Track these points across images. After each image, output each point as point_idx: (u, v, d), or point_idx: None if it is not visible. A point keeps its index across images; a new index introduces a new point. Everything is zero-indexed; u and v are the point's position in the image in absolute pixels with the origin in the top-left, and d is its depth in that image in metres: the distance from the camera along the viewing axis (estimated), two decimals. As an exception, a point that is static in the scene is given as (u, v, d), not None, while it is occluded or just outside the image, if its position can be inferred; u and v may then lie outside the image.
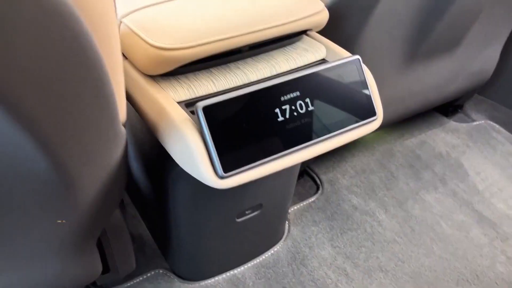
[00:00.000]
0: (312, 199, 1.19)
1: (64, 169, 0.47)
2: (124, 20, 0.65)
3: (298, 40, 0.74)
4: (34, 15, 0.32)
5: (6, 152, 0.40)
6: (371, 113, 0.66)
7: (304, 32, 0.73)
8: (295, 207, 1.16)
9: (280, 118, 0.60)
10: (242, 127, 0.58)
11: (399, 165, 1.31)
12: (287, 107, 0.61)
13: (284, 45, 0.73)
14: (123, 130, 0.54)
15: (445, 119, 1.50)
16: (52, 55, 0.36)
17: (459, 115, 1.53)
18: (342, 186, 1.23)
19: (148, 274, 0.99)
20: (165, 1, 0.69)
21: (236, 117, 0.57)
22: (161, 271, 1.00)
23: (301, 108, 0.62)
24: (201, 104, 0.55)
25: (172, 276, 0.99)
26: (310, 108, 0.62)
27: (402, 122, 1.44)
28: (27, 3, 0.31)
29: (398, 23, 0.91)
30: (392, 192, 1.22)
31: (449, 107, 1.50)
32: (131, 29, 0.63)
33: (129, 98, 0.68)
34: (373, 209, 1.17)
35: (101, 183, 0.57)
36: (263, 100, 0.59)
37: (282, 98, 0.60)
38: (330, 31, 0.79)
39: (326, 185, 1.23)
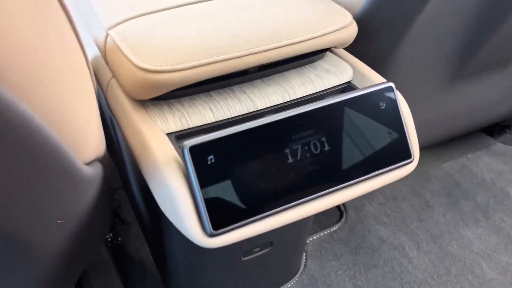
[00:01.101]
0: (334, 228, 1.06)
1: (10, 237, 0.37)
2: (110, 32, 0.55)
3: (319, 58, 0.62)
4: None
5: None
6: (405, 155, 0.53)
7: (327, 49, 0.61)
8: (314, 237, 1.04)
9: (290, 160, 0.48)
10: (240, 173, 0.46)
11: (435, 192, 1.16)
12: (300, 146, 0.49)
13: (302, 64, 0.61)
14: (89, 172, 0.44)
15: (490, 140, 1.33)
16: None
17: (507, 135, 1.35)
18: (368, 215, 1.10)
19: (146, 307, 0.89)
20: (162, 10, 0.58)
21: (234, 160, 0.46)
22: (160, 304, 0.90)
23: (318, 148, 0.50)
24: (188, 144, 0.44)
25: (172, 311, 0.89)
26: (329, 147, 0.50)
27: (440, 143, 1.29)
28: None
29: (442, 38, 0.77)
30: (426, 224, 1.08)
31: (496, 127, 1.33)
32: (116, 44, 0.52)
33: (118, 122, 0.58)
34: (403, 243, 1.03)
35: (70, 234, 0.47)
36: (270, 138, 0.48)
37: (295, 135, 0.49)
38: (358, 47, 0.66)
39: (350, 212, 1.10)
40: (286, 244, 0.81)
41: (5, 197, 0.33)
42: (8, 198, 0.33)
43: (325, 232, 1.05)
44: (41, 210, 0.40)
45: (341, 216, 1.09)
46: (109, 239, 0.84)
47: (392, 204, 1.12)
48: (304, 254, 1.00)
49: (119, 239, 0.98)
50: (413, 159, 0.54)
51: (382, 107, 0.52)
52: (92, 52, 0.66)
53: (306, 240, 0.99)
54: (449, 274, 0.97)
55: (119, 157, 0.82)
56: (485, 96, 1.04)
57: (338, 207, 1.12)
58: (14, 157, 0.30)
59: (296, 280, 0.94)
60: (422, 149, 1.24)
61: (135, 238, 1.04)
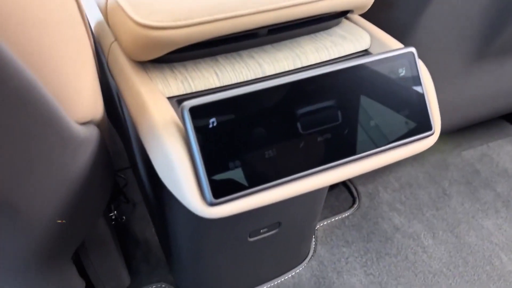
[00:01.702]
0: (346, 214, 1.02)
1: None
2: (111, -10, 0.51)
3: (334, 25, 0.58)
4: None
5: None
6: (426, 126, 0.49)
7: (343, 14, 0.57)
8: (325, 222, 1.00)
9: (299, 127, 0.44)
10: (244, 139, 0.42)
11: (453, 180, 1.11)
12: (310, 112, 0.45)
13: (316, 30, 0.57)
14: (82, 132, 0.41)
15: (512, 128, 1.27)
16: None
17: (531, 124, 1.29)
18: (382, 201, 1.05)
19: (149, 288, 0.87)
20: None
21: (238, 124, 0.42)
22: (163, 285, 0.87)
23: (330, 115, 0.46)
24: (188, 104, 0.40)
25: (175, 293, 0.86)
26: (342, 115, 0.46)
27: (460, 130, 1.24)
28: None
29: (466, 14, 0.72)
30: (443, 213, 1.03)
31: (519, 115, 1.27)
32: (116, 2, 0.49)
33: (119, 88, 0.55)
34: (418, 232, 0.99)
35: (64, 202, 0.45)
36: (278, 102, 0.44)
37: (307, 100, 0.45)
38: (376, 16, 0.61)
39: (364, 198, 1.06)
40: (295, 226, 0.77)
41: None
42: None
43: (337, 218, 1.01)
44: (28, 171, 0.37)
45: (353, 202, 1.05)
46: (113, 217, 0.82)
47: (408, 191, 1.08)
48: (313, 239, 0.96)
49: (124, 217, 0.96)
50: (433, 131, 0.49)
51: (402, 74, 0.48)
52: (96, 19, 0.63)
53: (316, 224, 0.95)
54: (466, 265, 0.93)
55: (125, 134, 0.79)
56: (508, 80, 0.98)
57: (350, 192, 1.07)
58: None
59: (304, 266, 0.91)
60: (440, 135, 1.19)
61: (141, 218, 1.01)
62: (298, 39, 0.56)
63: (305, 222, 0.78)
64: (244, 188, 0.42)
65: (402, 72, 0.48)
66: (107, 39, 0.58)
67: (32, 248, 0.49)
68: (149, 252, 0.94)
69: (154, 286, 0.87)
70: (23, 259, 0.50)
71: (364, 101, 0.47)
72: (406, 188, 1.08)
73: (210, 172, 0.41)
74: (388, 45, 0.55)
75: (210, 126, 0.41)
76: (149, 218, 1.00)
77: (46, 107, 0.32)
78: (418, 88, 0.49)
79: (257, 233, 0.72)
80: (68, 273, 0.60)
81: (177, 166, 0.42)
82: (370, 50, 0.56)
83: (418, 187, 1.09)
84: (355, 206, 1.04)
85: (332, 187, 1.08)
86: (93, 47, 0.51)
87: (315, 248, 0.95)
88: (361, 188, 1.08)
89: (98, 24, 0.62)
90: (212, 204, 0.42)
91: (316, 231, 0.97)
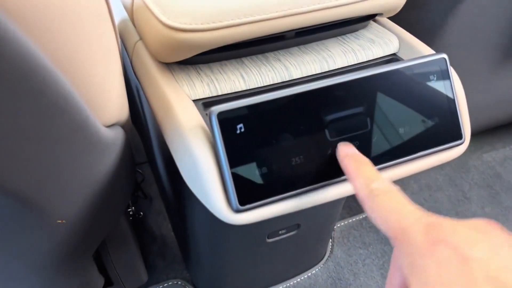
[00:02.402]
0: (364, 215, 1.01)
1: (19, 196, 0.34)
2: (138, -11, 0.51)
3: (362, 27, 0.57)
4: None
5: None
6: (456, 135, 0.48)
7: (371, 16, 0.56)
8: (343, 223, 0.99)
9: (327, 134, 0.44)
10: (271, 145, 0.42)
11: (474, 183, 1.09)
12: (338, 119, 0.44)
13: (343, 33, 0.56)
14: (108, 135, 0.41)
15: (536, 131, 1.24)
16: None
17: (555, 127, 1.26)
18: (401, 203, 1.04)
19: (165, 284, 0.87)
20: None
21: (265, 130, 0.42)
22: (179, 282, 0.87)
23: (359, 122, 0.45)
24: (216, 110, 0.40)
25: (191, 290, 0.87)
26: (371, 122, 0.45)
27: (482, 132, 1.21)
28: None
29: (497, 11, 0.70)
30: (462, 217, 1.01)
31: (543, 118, 1.24)
32: (144, 2, 0.48)
33: (142, 88, 0.55)
34: (436, 235, 0.97)
35: (87, 202, 0.45)
36: (306, 108, 0.43)
37: (335, 106, 0.44)
38: (404, 18, 0.60)
39: (381, 199, 1.04)
40: (314, 228, 0.77)
41: (15, 154, 0.30)
42: (19, 155, 0.30)
43: (355, 219, 1.00)
44: (55, 173, 0.37)
45: (371, 203, 1.04)
46: (131, 213, 0.82)
47: (427, 193, 1.06)
48: (330, 240, 0.95)
49: (141, 213, 0.96)
50: (463, 140, 0.48)
51: (433, 81, 0.47)
52: (120, 16, 0.62)
53: (334, 226, 0.95)
54: (485, 271, 0.91)
55: (144, 130, 0.79)
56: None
57: (368, 193, 1.06)
58: (25, 107, 0.27)
59: (321, 267, 0.90)
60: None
61: (157, 213, 1.02)
62: (325, 41, 0.55)
63: (324, 224, 0.78)
64: (270, 195, 0.42)
65: (434, 78, 0.47)
66: (132, 38, 0.58)
67: (55, 246, 0.49)
68: (166, 248, 0.94)
69: (170, 283, 0.87)
70: (46, 257, 0.50)
71: (394, 108, 0.46)
72: (425, 190, 1.07)
73: (236, 178, 0.41)
74: (417, 49, 0.54)
75: (238, 131, 0.41)
76: (166, 214, 1.01)
77: (78, 114, 0.32)
78: (449, 96, 0.47)
79: (276, 234, 0.71)
80: (89, 270, 0.60)
81: (203, 172, 0.41)
82: (398, 54, 0.55)
83: (437, 190, 1.07)
84: (373, 207, 1.03)
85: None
86: (120, 46, 0.50)
87: (332, 249, 0.94)
88: (379, 189, 1.06)
89: (122, 22, 0.62)
90: (238, 211, 0.41)
91: (333, 232, 0.97)
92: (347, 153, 0.41)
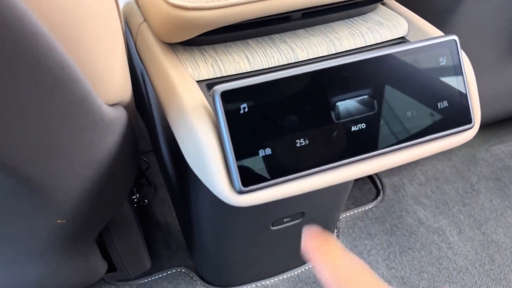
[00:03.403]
0: (370, 206, 1.00)
1: (20, 174, 0.33)
2: (142, -32, 0.50)
3: (370, 10, 0.55)
4: None
5: None
6: (465, 119, 0.47)
7: (380, -1, 0.54)
8: (348, 214, 0.98)
9: (332, 116, 0.43)
10: (276, 125, 0.41)
11: (482, 176, 1.07)
12: (344, 101, 0.43)
13: (351, 15, 0.54)
14: (111, 113, 0.40)
15: (546, 124, 1.22)
16: None
17: None
18: (407, 194, 1.03)
19: (169, 272, 0.87)
20: None
21: (270, 110, 0.41)
22: (183, 270, 0.87)
23: (365, 104, 0.44)
24: (219, 88, 0.39)
25: (195, 278, 0.86)
26: (378, 105, 0.44)
27: (490, 124, 1.19)
28: None
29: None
30: (470, 209, 1.00)
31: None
32: (147, -19, 0.48)
33: (146, 70, 0.54)
34: (443, 227, 0.96)
35: (90, 184, 0.44)
36: (312, 89, 0.42)
37: (341, 88, 0.43)
38: (415, 1, 0.59)
39: (388, 191, 1.04)
40: (318, 216, 0.76)
41: (12, 129, 0.29)
42: (16, 130, 0.30)
43: (360, 210, 0.99)
44: (57, 151, 0.36)
45: (377, 194, 1.03)
46: (135, 200, 0.82)
47: (434, 185, 1.05)
48: (335, 230, 0.95)
49: (146, 200, 0.96)
50: (473, 125, 0.47)
51: (442, 63, 0.46)
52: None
53: (339, 215, 0.94)
54: (492, 263, 0.90)
55: (149, 116, 0.78)
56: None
57: (375, 184, 1.05)
58: (20, 76, 0.26)
59: (325, 257, 0.90)
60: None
61: (162, 201, 1.01)
62: (332, 24, 0.53)
63: (329, 213, 0.77)
64: (274, 176, 0.41)
65: (443, 61, 0.46)
66: (136, 19, 0.57)
67: (58, 229, 0.49)
68: (170, 236, 0.94)
69: (174, 270, 0.87)
70: (49, 240, 0.50)
71: (401, 90, 0.45)
72: (432, 182, 1.06)
73: (239, 159, 0.40)
74: (427, 32, 0.53)
75: (241, 111, 0.40)
76: (170, 203, 1.00)
77: (79, 88, 0.31)
78: (459, 79, 0.46)
79: (280, 222, 0.71)
80: (92, 254, 0.60)
81: (206, 152, 0.41)
82: (407, 38, 0.54)
83: (445, 182, 1.06)
84: (379, 198, 1.02)
85: (356, 178, 1.06)
86: (123, 27, 0.50)
87: (336, 239, 0.93)
88: (385, 180, 1.05)
89: (127, 3, 0.61)
90: (240, 192, 0.41)
91: (338, 223, 0.96)
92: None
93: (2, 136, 0.29)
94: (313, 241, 0.28)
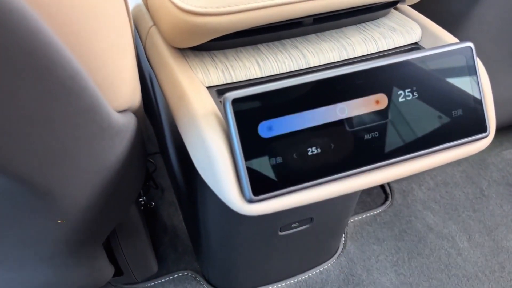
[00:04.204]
0: (378, 210, 0.99)
1: (27, 180, 0.33)
2: (152, -28, 0.49)
3: (383, 15, 0.55)
4: None
5: None
6: (481, 127, 0.46)
7: (392, 4, 0.53)
8: (356, 218, 0.97)
9: (345, 125, 0.42)
10: (287, 133, 0.40)
11: (493, 181, 1.06)
12: (357, 109, 0.42)
13: (363, 20, 0.54)
14: (120, 120, 0.40)
15: (558, 129, 1.20)
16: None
17: None
18: (416, 199, 1.02)
19: (175, 275, 0.86)
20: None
21: (281, 118, 0.40)
22: (190, 273, 0.87)
23: (379, 113, 0.43)
24: (230, 96, 0.38)
25: (202, 281, 0.86)
26: (394, 113, 0.43)
27: (502, 128, 1.18)
28: None
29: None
30: (480, 214, 0.99)
31: None
32: (158, -15, 0.47)
33: (155, 74, 0.53)
34: (452, 233, 0.95)
35: (98, 189, 0.44)
36: (324, 96, 0.42)
37: (354, 96, 0.42)
38: (427, 7, 0.58)
39: (397, 195, 1.02)
40: (327, 222, 0.75)
41: (18, 135, 0.29)
42: (22, 136, 0.29)
43: (368, 214, 0.98)
44: (65, 158, 0.36)
45: (386, 199, 1.02)
46: (142, 203, 0.81)
47: (443, 190, 1.04)
48: (344, 235, 0.94)
49: (153, 203, 0.95)
50: (488, 133, 0.46)
51: (457, 71, 0.45)
52: (134, 2, 0.61)
53: (348, 221, 0.93)
54: (502, 270, 0.89)
55: (157, 119, 0.78)
56: None
57: (383, 188, 1.04)
58: (27, 84, 0.26)
59: (333, 262, 0.89)
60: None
61: (169, 204, 1.01)
62: (344, 29, 0.53)
63: (337, 218, 0.76)
64: (285, 185, 0.40)
65: (458, 68, 0.45)
66: (145, 23, 0.57)
67: (65, 234, 0.48)
68: (176, 239, 0.93)
69: (180, 274, 0.87)
70: (56, 245, 0.50)
71: (416, 98, 0.44)
72: (442, 187, 1.04)
73: (250, 168, 0.39)
74: (441, 38, 0.52)
75: (252, 119, 0.39)
76: (177, 205, 1.00)
77: (88, 97, 0.31)
78: (474, 87, 0.45)
79: (288, 227, 0.70)
80: (99, 259, 0.59)
81: (216, 160, 0.40)
82: (420, 43, 0.53)
83: (454, 187, 1.04)
84: (388, 203, 1.01)
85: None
86: (133, 31, 0.49)
87: (344, 244, 0.92)
88: (394, 185, 1.04)
89: (137, 6, 0.61)
90: (251, 201, 0.40)
91: (346, 227, 0.95)
92: None
93: (9, 143, 0.29)
94: None
